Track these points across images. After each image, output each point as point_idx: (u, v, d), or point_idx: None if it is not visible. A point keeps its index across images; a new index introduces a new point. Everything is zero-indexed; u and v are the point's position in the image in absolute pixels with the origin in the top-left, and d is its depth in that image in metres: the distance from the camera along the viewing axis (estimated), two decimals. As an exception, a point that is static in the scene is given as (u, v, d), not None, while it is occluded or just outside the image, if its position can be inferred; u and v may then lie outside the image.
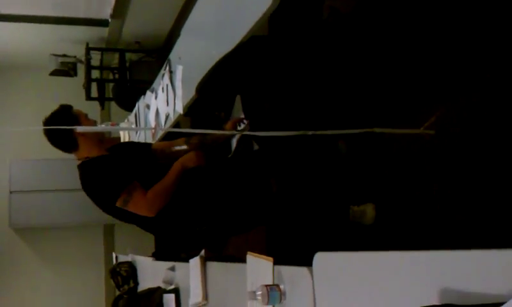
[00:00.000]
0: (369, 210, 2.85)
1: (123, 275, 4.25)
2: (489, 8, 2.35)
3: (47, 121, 2.58)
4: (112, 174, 2.52)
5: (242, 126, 2.76)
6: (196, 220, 2.66)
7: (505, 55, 2.25)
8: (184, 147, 2.77)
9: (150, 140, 4.50)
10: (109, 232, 8.20)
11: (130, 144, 3.40)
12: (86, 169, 2.60)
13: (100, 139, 2.71)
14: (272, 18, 2.15)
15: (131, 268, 4.29)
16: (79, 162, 2.63)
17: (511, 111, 2.19)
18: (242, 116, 2.76)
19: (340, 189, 3.04)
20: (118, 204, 2.48)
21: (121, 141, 5.92)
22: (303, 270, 1.42)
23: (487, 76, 2.33)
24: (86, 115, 2.70)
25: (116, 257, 5.00)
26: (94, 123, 2.77)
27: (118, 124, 5.85)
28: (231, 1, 2.42)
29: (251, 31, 2.22)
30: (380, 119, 2.85)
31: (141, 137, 4.91)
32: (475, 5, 2.40)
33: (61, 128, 2.43)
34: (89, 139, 2.60)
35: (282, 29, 2.72)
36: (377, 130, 2.44)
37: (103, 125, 5.44)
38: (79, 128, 2.07)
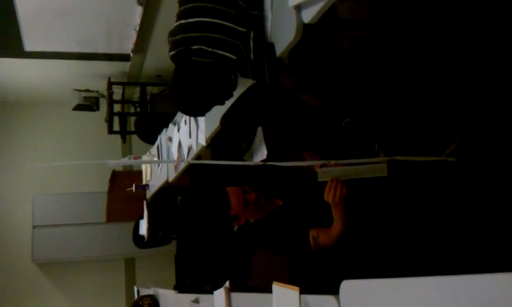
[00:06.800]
0: None
1: (145, 309, 4.24)
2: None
3: None
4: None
5: None
6: None
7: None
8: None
9: (172, 172, 4.54)
10: (130, 266, 8.23)
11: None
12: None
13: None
14: (293, 51, 2.18)
15: (154, 302, 4.28)
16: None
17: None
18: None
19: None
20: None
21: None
22: (330, 298, 1.41)
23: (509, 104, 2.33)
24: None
25: (138, 290, 4.99)
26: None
27: (140, 157, 5.90)
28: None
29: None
30: (401, 147, 2.84)
31: (163, 170, 4.95)
32: (497, 31, 2.42)
33: None
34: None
35: (303, 61, 2.75)
36: (398, 157, 2.44)
37: (126, 159, 5.49)
38: (110, 163, 2.06)
